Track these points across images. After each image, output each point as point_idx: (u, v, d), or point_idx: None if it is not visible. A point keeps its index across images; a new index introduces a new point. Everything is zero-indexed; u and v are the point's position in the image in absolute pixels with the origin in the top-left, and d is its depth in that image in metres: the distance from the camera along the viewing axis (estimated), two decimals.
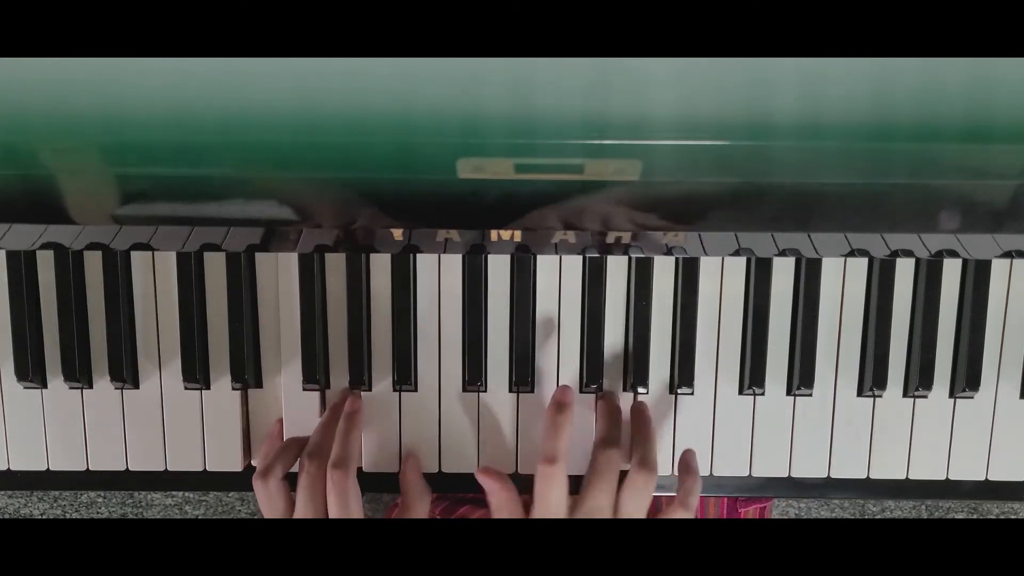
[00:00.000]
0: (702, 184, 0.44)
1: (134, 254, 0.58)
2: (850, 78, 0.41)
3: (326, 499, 0.53)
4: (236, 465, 0.59)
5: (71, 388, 0.59)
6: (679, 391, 0.58)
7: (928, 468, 0.59)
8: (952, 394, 0.58)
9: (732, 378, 0.59)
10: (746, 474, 0.59)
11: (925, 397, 0.58)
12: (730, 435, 0.59)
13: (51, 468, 0.60)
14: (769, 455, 0.59)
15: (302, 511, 0.53)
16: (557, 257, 0.57)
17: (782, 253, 0.56)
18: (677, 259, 0.57)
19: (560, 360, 0.58)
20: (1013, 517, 1.33)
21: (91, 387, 0.59)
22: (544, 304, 0.58)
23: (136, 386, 0.59)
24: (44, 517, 1.36)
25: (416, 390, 0.59)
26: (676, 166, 0.43)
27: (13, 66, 0.41)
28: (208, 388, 0.59)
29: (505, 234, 0.55)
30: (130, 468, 0.59)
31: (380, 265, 0.57)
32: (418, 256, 0.57)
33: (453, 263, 0.57)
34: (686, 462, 0.56)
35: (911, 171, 0.44)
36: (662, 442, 0.59)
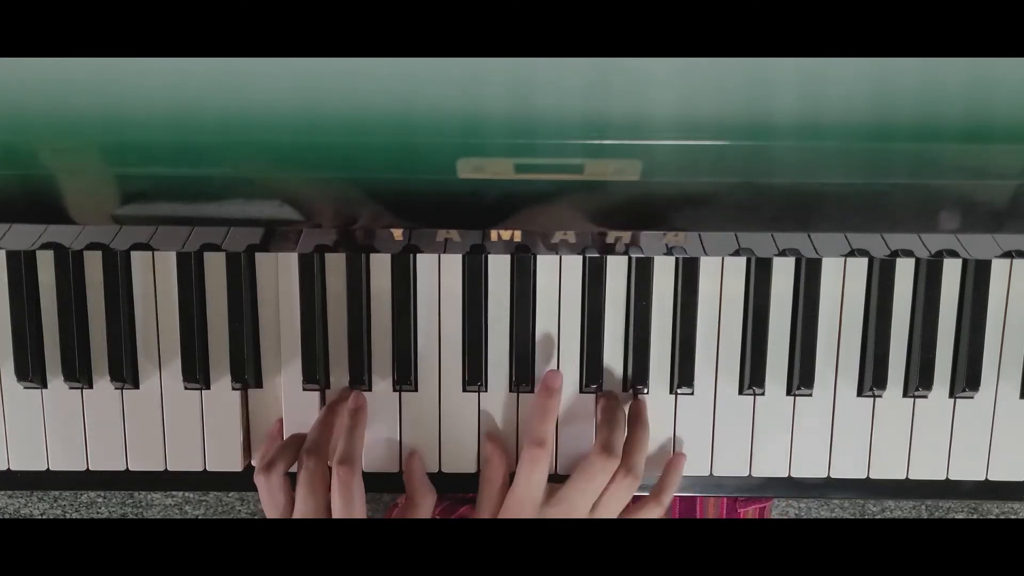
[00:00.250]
0: (702, 184, 0.44)
1: (134, 254, 0.58)
2: (850, 78, 0.41)
3: (326, 495, 0.53)
4: (236, 465, 0.59)
5: (71, 388, 0.59)
6: (679, 391, 0.58)
7: (928, 468, 0.59)
8: (952, 394, 0.58)
9: (732, 378, 0.59)
10: (746, 474, 0.59)
11: (925, 397, 0.58)
12: (730, 435, 0.59)
13: (51, 468, 0.60)
14: (769, 455, 0.59)
15: (302, 507, 0.53)
16: (557, 257, 0.57)
17: (782, 253, 0.56)
18: (677, 259, 0.57)
19: (560, 360, 0.58)
20: (1013, 517, 1.33)
21: (91, 387, 0.59)
22: (544, 304, 0.58)
23: (136, 386, 0.59)
24: (44, 517, 1.36)
25: (416, 390, 0.59)
26: (676, 166, 0.43)
27: (13, 66, 0.41)
28: (208, 388, 0.59)
29: (505, 234, 0.55)
30: (130, 468, 0.59)
31: (380, 265, 0.57)
32: (418, 256, 0.57)
33: (453, 263, 0.57)
34: (673, 463, 0.57)
35: (911, 171, 0.44)
36: (662, 442, 0.59)
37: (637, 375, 0.58)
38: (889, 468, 0.59)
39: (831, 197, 0.45)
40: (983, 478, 0.59)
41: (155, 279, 0.58)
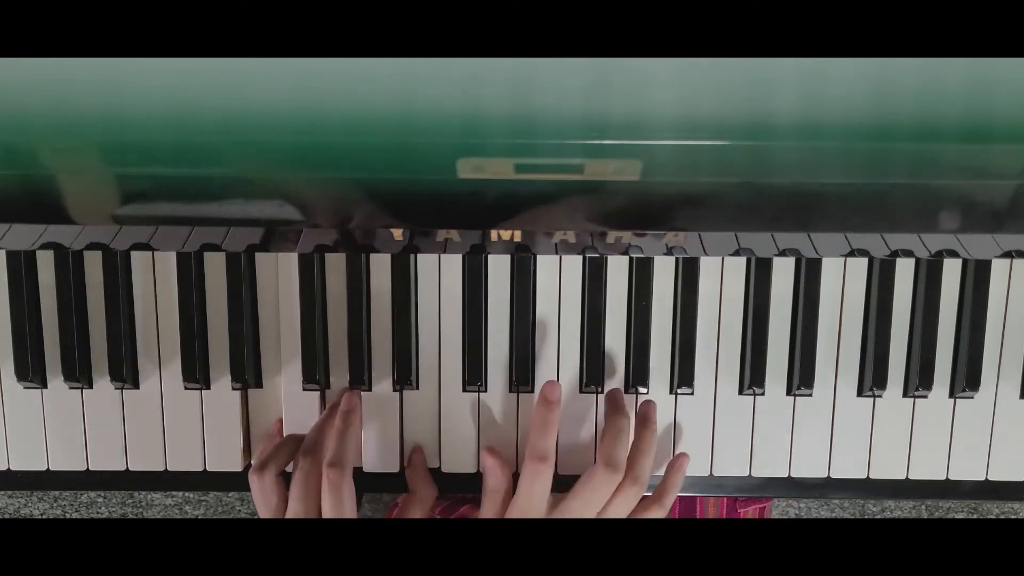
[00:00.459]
0: (702, 184, 0.44)
1: (134, 254, 0.58)
2: (850, 78, 0.41)
3: (319, 497, 0.53)
4: (236, 465, 0.59)
5: (71, 388, 0.59)
6: (679, 391, 0.58)
7: (928, 468, 0.59)
8: (952, 394, 0.58)
9: (732, 378, 0.59)
10: (746, 474, 0.59)
11: (925, 397, 0.58)
12: (730, 435, 0.59)
13: (51, 468, 0.60)
14: (769, 455, 0.59)
15: (294, 508, 0.53)
16: (557, 257, 0.57)
17: (782, 253, 0.56)
18: (677, 259, 0.57)
19: (560, 360, 0.58)
20: (1013, 517, 1.33)
21: (91, 387, 0.59)
22: (544, 304, 0.58)
23: (136, 386, 0.59)
24: (44, 517, 1.36)
25: (416, 390, 0.59)
26: (676, 166, 0.43)
27: (13, 66, 0.41)
28: (208, 388, 0.59)
29: (505, 234, 0.55)
30: (130, 468, 0.59)
31: (380, 265, 0.57)
32: (418, 256, 0.57)
33: (453, 263, 0.57)
34: (676, 463, 0.57)
35: (911, 171, 0.44)
36: (662, 442, 0.59)
37: (637, 375, 0.58)
38: (889, 468, 0.59)
39: (831, 197, 0.45)
40: (983, 478, 0.59)
41: (155, 279, 0.58)
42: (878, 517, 1.35)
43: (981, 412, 0.59)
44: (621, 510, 0.54)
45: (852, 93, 0.42)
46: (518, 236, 0.55)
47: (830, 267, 0.57)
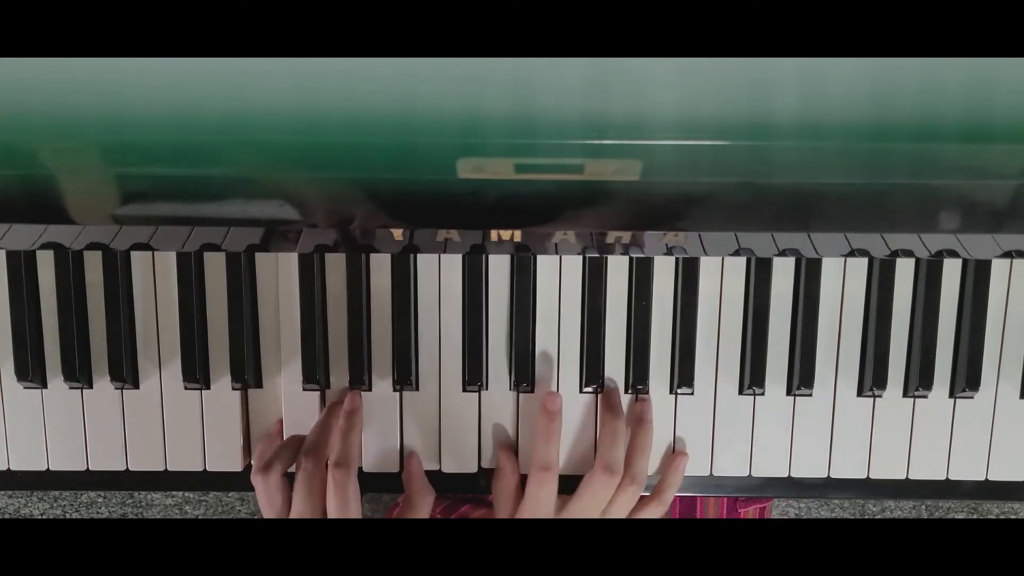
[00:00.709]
0: (702, 184, 0.44)
1: (134, 254, 0.58)
2: (850, 78, 0.41)
3: (323, 497, 0.53)
4: (236, 465, 0.59)
5: (71, 388, 0.59)
6: (679, 391, 0.58)
7: (928, 468, 0.59)
8: (952, 394, 0.58)
9: (732, 378, 0.59)
10: (746, 474, 0.59)
11: (925, 397, 0.58)
12: (730, 435, 0.59)
13: (51, 468, 0.60)
14: (769, 455, 0.59)
15: (299, 509, 0.53)
16: (557, 257, 0.57)
17: (782, 253, 0.56)
18: (677, 259, 0.57)
19: (560, 360, 0.58)
20: (1013, 517, 1.33)
21: (91, 387, 0.59)
22: (544, 304, 0.58)
23: (136, 386, 0.59)
24: (44, 517, 1.36)
25: (416, 390, 0.59)
26: (676, 166, 0.43)
27: (13, 66, 0.41)
28: (208, 388, 0.59)
29: (505, 234, 0.55)
30: (130, 468, 0.59)
31: (380, 265, 0.57)
32: (418, 256, 0.57)
33: (453, 263, 0.57)
34: (675, 462, 0.58)
35: (911, 171, 0.44)
36: (662, 442, 0.59)
37: (637, 375, 0.58)
38: (889, 468, 0.59)
39: (831, 197, 0.45)
40: (983, 478, 0.59)
41: (155, 279, 0.58)
42: (878, 517, 1.35)
43: (981, 412, 0.59)
44: (621, 510, 0.55)
45: (852, 93, 0.42)
46: (518, 236, 0.55)
47: (830, 267, 0.57)
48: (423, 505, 0.56)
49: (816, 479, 0.59)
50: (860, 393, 0.59)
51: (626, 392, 0.59)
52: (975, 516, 1.33)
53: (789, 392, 0.58)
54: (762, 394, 0.58)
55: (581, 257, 0.57)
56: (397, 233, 0.56)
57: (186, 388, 0.59)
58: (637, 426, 0.57)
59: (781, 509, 1.34)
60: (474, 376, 0.58)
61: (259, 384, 0.59)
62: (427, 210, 0.46)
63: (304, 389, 0.58)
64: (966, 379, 0.57)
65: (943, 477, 0.59)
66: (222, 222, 0.48)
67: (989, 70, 0.41)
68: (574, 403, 0.59)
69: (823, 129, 0.42)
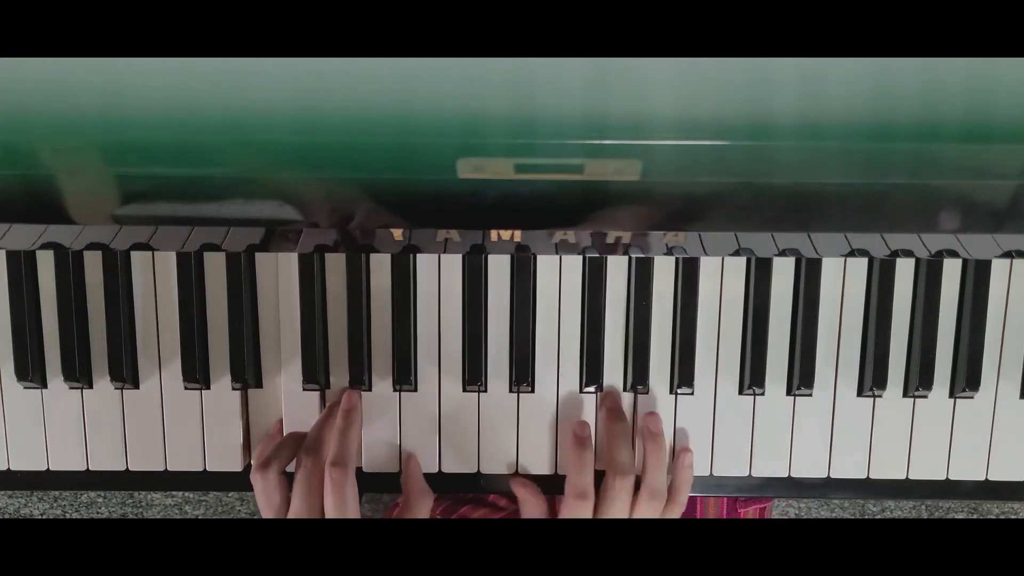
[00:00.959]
0: (702, 184, 0.44)
1: (134, 254, 0.58)
2: (850, 78, 0.41)
3: (322, 496, 0.53)
4: (236, 465, 0.59)
5: (71, 388, 0.59)
6: (679, 391, 0.58)
7: (928, 468, 0.59)
8: (952, 394, 0.58)
9: (732, 378, 0.59)
10: (746, 474, 0.59)
11: (925, 397, 0.58)
12: (730, 435, 0.59)
13: (51, 468, 0.60)
14: (769, 455, 0.59)
15: (297, 507, 0.53)
16: (557, 257, 0.57)
17: (782, 253, 0.56)
18: (677, 259, 0.57)
19: (560, 360, 0.58)
20: (1013, 517, 1.33)
21: (91, 387, 0.59)
22: (544, 304, 0.58)
23: (136, 386, 0.59)
24: (44, 517, 1.36)
25: (416, 390, 0.59)
26: (676, 166, 0.43)
27: (13, 66, 0.41)
28: (208, 388, 0.59)
29: (505, 234, 0.55)
30: (130, 468, 0.59)
31: (380, 265, 0.57)
32: (418, 256, 0.57)
33: (453, 263, 0.57)
34: (681, 460, 0.58)
35: (911, 171, 0.44)
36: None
37: (637, 375, 0.58)
38: (889, 468, 0.59)
39: (831, 197, 0.45)
40: (983, 478, 0.59)
41: (155, 279, 0.58)
42: (878, 517, 1.35)
43: (981, 412, 0.59)
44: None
45: (852, 93, 0.42)
46: (518, 236, 0.55)
47: (830, 267, 0.57)
48: (422, 508, 0.56)
49: (816, 479, 0.59)
50: (860, 393, 0.59)
51: (625, 392, 0.59)
52: (975, 516, 1.33)
53: (789, 392, 0.58)
54: (762, 394, 0.58)
55: (581, 257, 0.57)
56: (397, 233, 0.56)
57: (186, 388, 0.59)
58: (650, 441, 0.57)
59: (781, 509, 1.34)
60: (474, 376, 0.58)
61: (259, 384, 0.59)
62: (427, 210, 0.46)
63: (304, 389, 0.58)
64: (966, 379, 0.57)
65: (943, 477, 0.59)
66: (222, 222, 0.48)
67: (989, 70, 0.41)
68: (574, 403, 0.59)
69: (823, 129, 0.42)
